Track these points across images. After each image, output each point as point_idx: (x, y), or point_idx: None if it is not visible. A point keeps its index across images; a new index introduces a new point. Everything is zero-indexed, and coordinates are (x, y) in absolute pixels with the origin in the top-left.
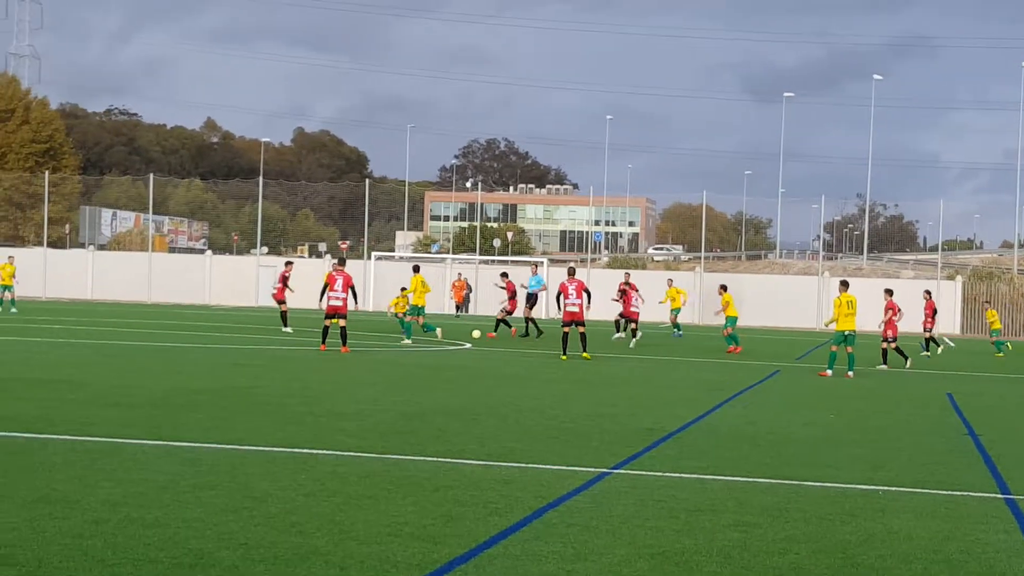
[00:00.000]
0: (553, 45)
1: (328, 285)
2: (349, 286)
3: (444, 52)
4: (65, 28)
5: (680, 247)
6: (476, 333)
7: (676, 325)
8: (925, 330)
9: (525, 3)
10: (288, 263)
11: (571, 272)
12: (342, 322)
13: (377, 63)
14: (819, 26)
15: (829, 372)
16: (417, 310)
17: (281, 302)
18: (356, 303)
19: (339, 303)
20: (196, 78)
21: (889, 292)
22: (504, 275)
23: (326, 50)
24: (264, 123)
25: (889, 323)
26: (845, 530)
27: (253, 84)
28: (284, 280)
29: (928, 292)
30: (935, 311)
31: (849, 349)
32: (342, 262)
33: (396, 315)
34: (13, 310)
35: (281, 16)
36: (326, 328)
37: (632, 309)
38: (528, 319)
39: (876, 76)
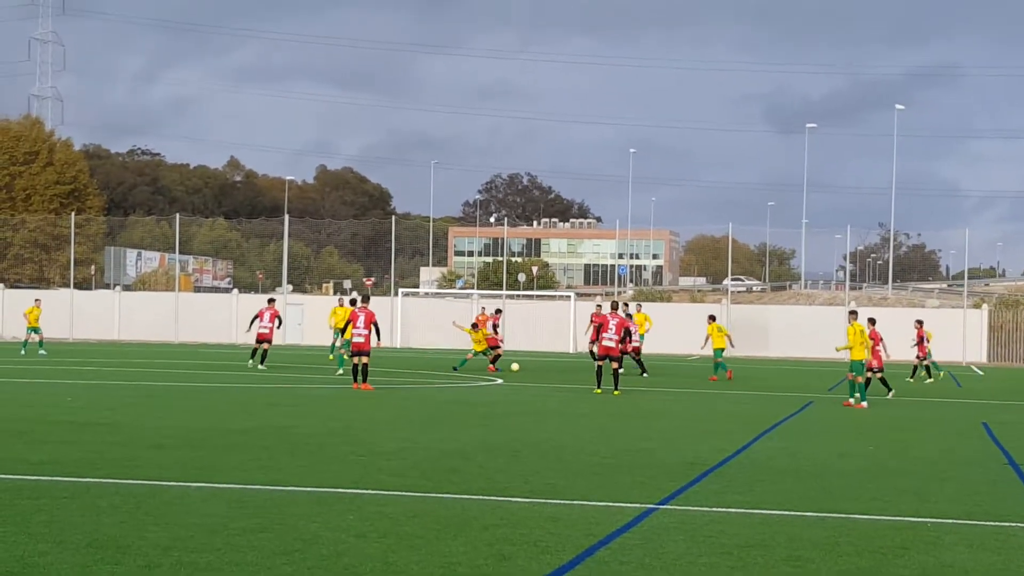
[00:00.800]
0: (577, 80)
1: (351, 322)
2: (372, 323)
3: (469, 88)
4: (89, 69)
5: (754, 280)
6: (515, 366)
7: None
8: (917, 358)
9: (549, 39)
10: (271, 300)
11: (614, 307)
12: (365, 359)
13: (401, 100)
14: (843, 58)
15: (865, 404)
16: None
17: (268, 340)
18: (379, 340)
19: (362, 340)
20: (220, 118)
21: (872, 322)
22: (498, 311)
23: (351, 88)
24: (288, 161)
25: (873, 353)
26: (899, 564)
27: (277, 123)
28: (276, 318)
29: (919, 321)
30: (922, 339)
31: (859, 379)
32: (366, 299)
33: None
34: (42, 352)
35: (307, 55)
36: (355, 366)
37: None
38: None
39: (898, 106)
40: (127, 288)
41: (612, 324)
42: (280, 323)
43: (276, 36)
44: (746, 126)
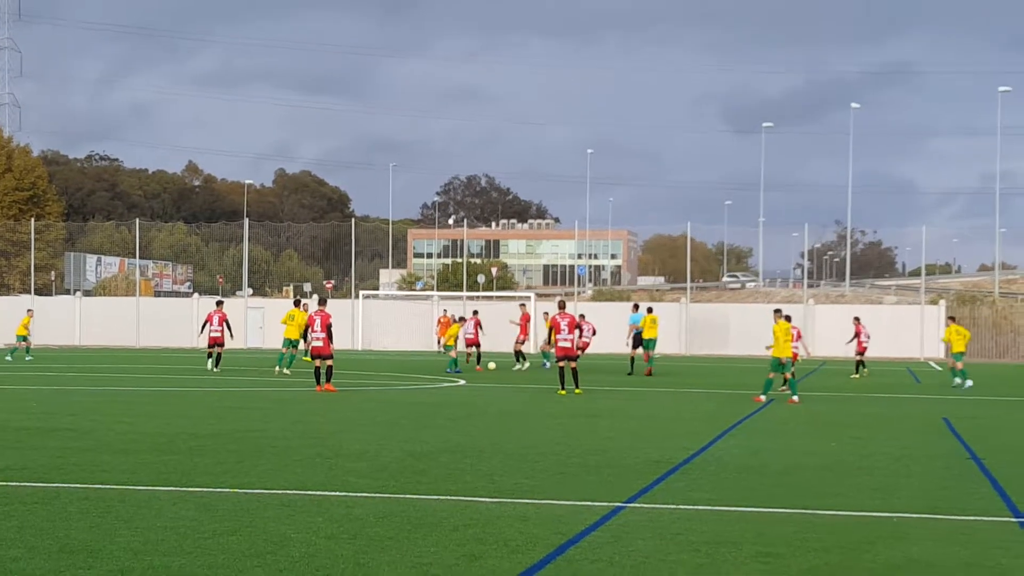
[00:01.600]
0: (538, 82)
1: (308, 326)
2: (327, 325)
3: (430, 91)
4: (48, 76)
5: (749, 276)
6: (492, 365)
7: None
8: (857, 354)
9: (511, 42)
10: (219, 303)
11: (561, 306)
12: (329, 362)
13: (363, 104)
14: (802, 57)
15: (763, 397)
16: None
17: (220, 344)
18: (331, 342)
19: (320, 343)
20: (180, 123)
21: (788, 319)
22: (522, 306)
23: (313, 92)
24: (249, 166)
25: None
26: (866, 558)
27: (239, 128)
28: (224, 321)
29: (857, 318)
30: (858, 335)
31: (787, 375)
32: (322, 302)
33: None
34: (28, 358)
35: (269, 60)
36: (317, 369)
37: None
38: (633, 357)
39: (854, 105)
40: (87, 293)
41: (564, 324)
42: (228, 326)
43: (237, 41)
44: (705, 126)
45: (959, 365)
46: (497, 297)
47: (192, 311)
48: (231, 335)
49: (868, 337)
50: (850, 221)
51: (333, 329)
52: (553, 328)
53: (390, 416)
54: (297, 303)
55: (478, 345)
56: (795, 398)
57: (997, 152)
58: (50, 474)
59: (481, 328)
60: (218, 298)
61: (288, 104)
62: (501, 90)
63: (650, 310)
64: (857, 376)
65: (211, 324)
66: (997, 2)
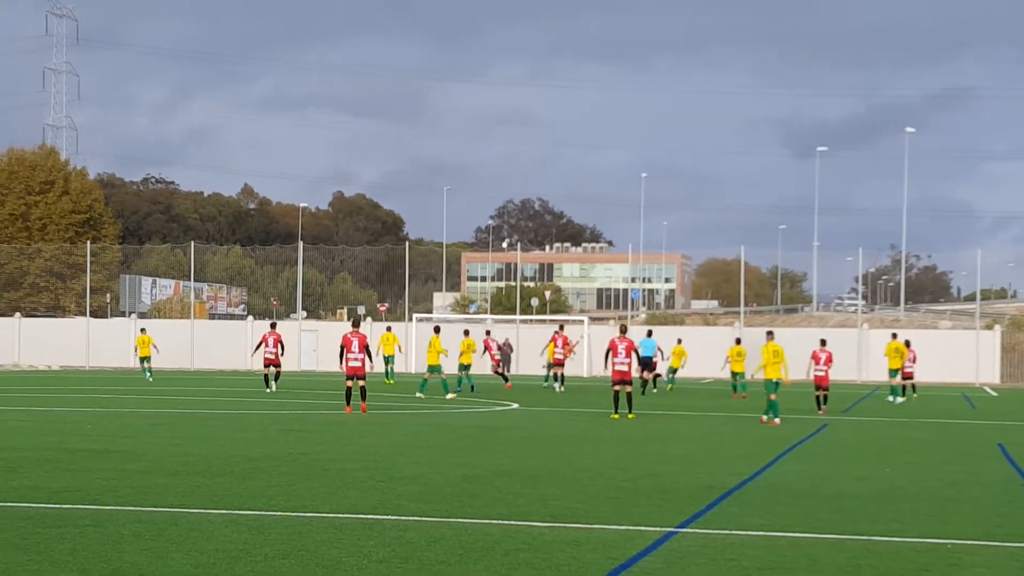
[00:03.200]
0: (592, 106)
1: (345, 347)
2: (364, 347)
3: (485, 116)
4: (107, 100)
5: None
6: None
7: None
8: (905, 378)
9: (565, 66)
10: (273, 324)
11: (623, 331)
12: (361, 383)
13: (419, 128)
14: (859, 80)
15: (777, 421)
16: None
17: (276, 364)
18: (371, 363)
19: (359, 364)
20: (237, 147)
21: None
22: (487, 333)
23: (370, 116)
24: (306, 189)
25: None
26: None
27: (296, 151)
28: (279, 343)
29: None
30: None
31: (772, 396)
32: (356, 324)
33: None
34: (149, 378)
35: (326, 85)
36: (348, 390)
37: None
38: (644, 380)
39: (909, 129)
40: (143, 316)
41: (621, 348)
42: (282, 347)
43: (295, 66)
44: (760, 150)
45: (895, 381)
46: (550, 321)
47: (246, 333)
48: (371, 364)
49: (914, 361)
50: (905, 245)
51: (370, 350)
52: (611, 351)
53: (443, 439)
54: (437, 330)
55: (499, 364)
56: (777, 420)
57: None
58: (104, 496)
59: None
60: (272, 320)
61: (345, 128)
62: (554, 114)
63: (679, 341)
64: (904, 399)
65: (266, 345)
66: None
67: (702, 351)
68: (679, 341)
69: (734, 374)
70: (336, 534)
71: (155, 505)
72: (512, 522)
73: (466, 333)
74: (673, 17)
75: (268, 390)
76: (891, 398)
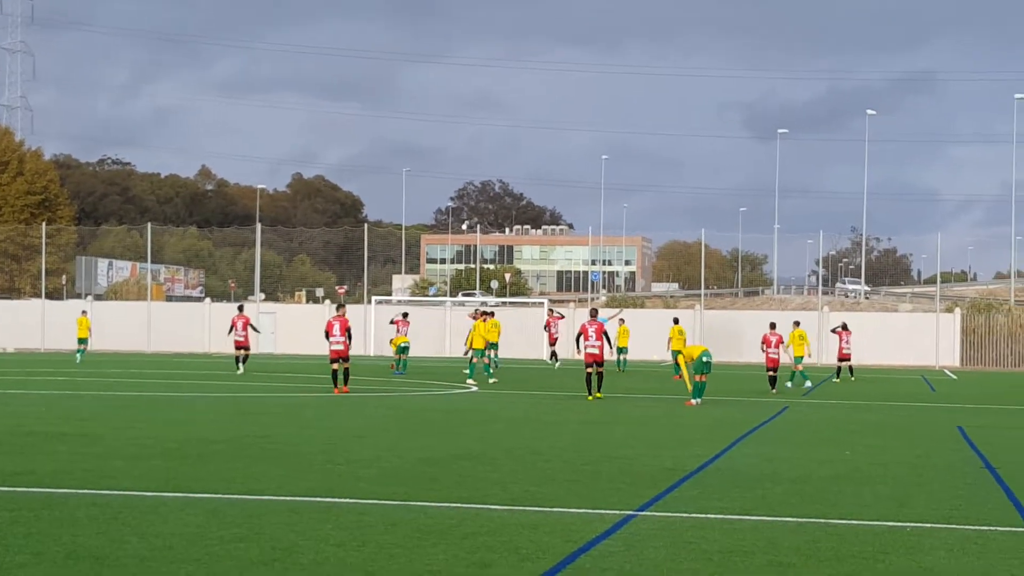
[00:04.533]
0: (560, 89)
1: (328, 332)
2: (346, 330)
3: (452, 98)
4: (66, 81)
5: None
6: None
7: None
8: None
9: (534, 50)
10: (240, 307)
11: (592, 314)
12: (345, 364)
13: (384, 110)
14: (827, 65)
15: (695, 402)
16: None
17: (245, 347)
18: (350, 346)
19: (340, 347)
20: (199, 129)
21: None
22: (550, 311)
23: (335, 98)
24: (268, 171)
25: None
26: (879, 568)
27: (258, 134)
28: (248, 325)
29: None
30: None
31: (700, 377)
32: (340, 307)
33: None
34: (78, 359)
35: (290, 67)
36: (335, 372)
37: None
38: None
39: (869, 111)
40: (99, 298)
41: (592, 331)
42: (254, 328)
43: (262, 48)
44: (727, 134)
45: (799, 367)
46: (510, 303)
47: (203, 316)
48: (258, 331)
49: (848, 343)
50: (865, 228)
51: (351, 333)
52: (582, 334)
53: (403, 422)
54: (484, 315)
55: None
56: (696, 400)
57: (1013, 159)
58: (59, 479)
59: None
60: (240, 303)
61: (309, 110)
62: (522, 97)
63: (622, 321)
64: (838, 380)
65: (236, 329)
66: (1019, 9)
67: (665, 334)
68: (622, 322)
69: (620, 350)
70: (293, 517)
71: (111, 488)
72: (471, 505)
73: (492, 315)
74: (643, 1)
75: (238, 371)
76: (789, 384)
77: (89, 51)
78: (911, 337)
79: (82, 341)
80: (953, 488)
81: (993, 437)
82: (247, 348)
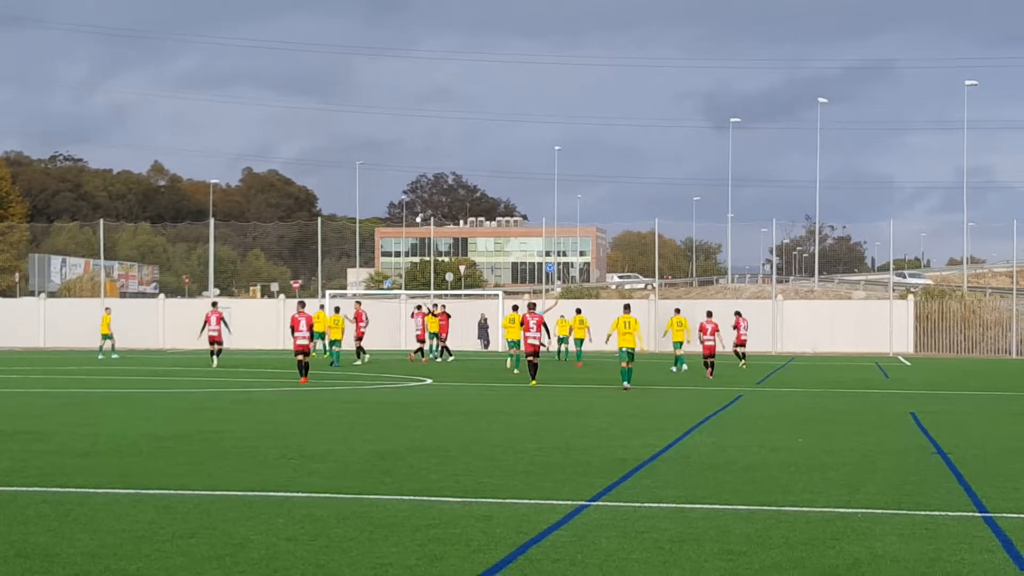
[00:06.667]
0: (517, 82)
1: (294, 327)
2: (310, 326)
3: (408, 92)
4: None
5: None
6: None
7: None
8: (737, 344)
9: (492, 43)
10: (214, 303)
11: (531, 307)
12: (306, 358)
13: (340, 104)
14: (784, 54)
15: (627, 385)
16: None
17: (219, 342)
18: (312, 340)
19: (305, 341)
20: (156, 125)
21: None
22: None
23: (291, 93)
24: (223, 167)
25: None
26: (830, 555)
27: (214, 130)
28: (221, 320)
29: (737, 312)
30: (737, 327)
31: (625, 364)
32: (303, 304)
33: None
34: (114, 356)
35: (248, 62)
36: (300, 363)
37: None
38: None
39: (821, 99)
40: (52, 295)
41: (532, 323)
42: (226, 324)
43: (219, 43)
44: (684, 123)
45: (679, 352)
46: (465, 295)
47: (158, 311)
48: (229, 332)
49: (747, 329)
50: (818, 215)
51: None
52: (523, 325)
53: (356, 416)
54: (515, 308)
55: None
56: (627, 384)
57: (964, 146)
58: (9, 478)
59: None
60: (213, 299)
61: (267, 105)
62: (480, 90)
63: (579, 311)
64: (744, 365)
65: (209, 324)
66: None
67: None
68: (576, 312)
69: (563, 340)
70: (245, 512)
71: (62, 486)
72: (423, 498)
73: (515, 308)
74: None
75: (212, 365)
76: (674, 368)
77: (44, 48)
78: (865, 324)
79: (105, 338)
80: (904, 474)
81: (945, 423)
82: (220, 343)
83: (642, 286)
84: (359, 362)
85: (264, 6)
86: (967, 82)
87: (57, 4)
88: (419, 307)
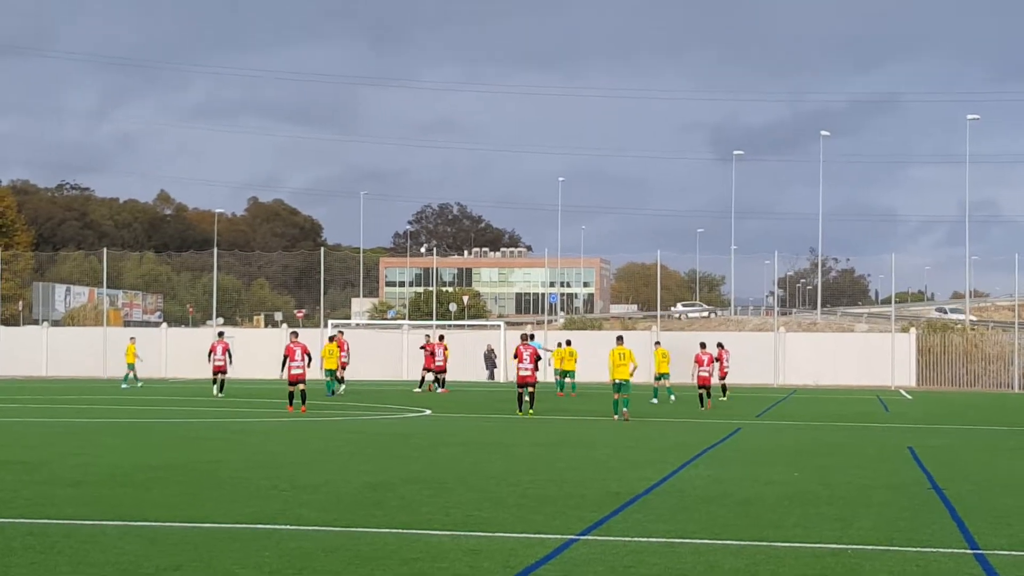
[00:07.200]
0: (523, 113)
1: (288, 356)
2: (307, 354)
3: (413, 122)
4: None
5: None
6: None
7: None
8: (720, 378)
9: (496, 74)
10: (220, 333)
11: (524, 338)
12: (302, 387)
13: (344, 135)
14: (789, 87)
15: (616, 417)
16: None
17: (223, 371)
18: (308, 367)
19: (300, 371)
20: (163, 155)
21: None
22: (426, 336)
23: (297, 123)
24: (229, 196)
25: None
26: None
27: (221, 159)
28: (227, 351)
29: (720, 344)
30: (720, 360)
31: (617, 396)
32: (296, 334)
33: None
34: (139, 384)
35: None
36: (291, 393)
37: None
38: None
39: (824, 132)
40: (56, 323)
41: (526, 355)
42: (230, 354)
43: (226, 73)
44: (689, 155)
45: (665, 383)
46: (468, 326)
47: (161, 340)
48: (231, 362)
49: (729, 361)
50: (821, 248)
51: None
52: (516, 356)
53: (353, 447)
54: (568, 342)
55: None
56: (621, 414)
57: (966, 179)
58: None
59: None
60: (220, 329)
61: (273, 134)
62: (485, 120)
63: (569, 343)
64: (726, 398)
65: (215, 353)
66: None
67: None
68: (566, 343)
69: (565, 372)
70: (232, 544)
71: (51, 517)
72: (412, 531)
73: (568, 343)
74: (606, 24)
75: (217, 395)
76: (654, 400)
77: (52, 77)
78: (867, 357)
79: (131, 367)
80: (899, 509)
81: (943, 457)
82: (224, 372)
83: (641, 316)
84: (338, 391)
85: (271, 37)
86: (969, 116)
87: (66, 34)
88: (428, 337)
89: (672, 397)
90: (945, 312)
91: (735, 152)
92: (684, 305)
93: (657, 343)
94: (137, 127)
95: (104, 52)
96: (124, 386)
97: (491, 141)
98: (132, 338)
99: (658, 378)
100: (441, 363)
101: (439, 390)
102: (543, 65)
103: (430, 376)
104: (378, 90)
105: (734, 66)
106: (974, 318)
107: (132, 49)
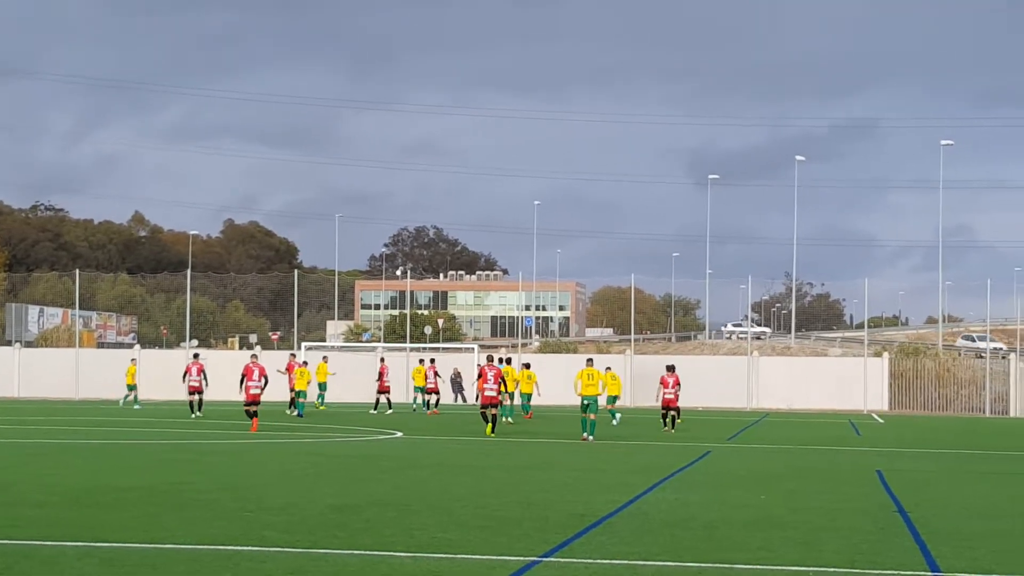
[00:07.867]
0: (501, 137)
1: (246, 376)
2: (263, 375)
3: (393, 146)
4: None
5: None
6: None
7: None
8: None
9: (481, 97)
10: (196, 355)
11: (489, 360)
12: (255, 408)
13: (323, 157)
14: (768, 112)
15: (585, 435)
16: None
17: (199, 392)
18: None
19: (258, 391)
20: (140, 177)
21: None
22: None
23: (276, 146)
24: (206, 218)
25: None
26: None
27: (198, 181)
28: (202, 372)
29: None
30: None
31: (592, 416)
32: (255, 356)
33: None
34: (136, 406)
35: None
36: (248, 412)
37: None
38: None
39: (799, 158)
40: (29, 345)
41: (490, 375)
42: (205, 376)
43: (202, 95)
44: (667, 180)
45: (614, 405)
46: (443, 349)
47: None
48: (206, 384)
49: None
50: (795, 272)
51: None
52: (480, 377)
53: (321, 468)
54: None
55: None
56: (589, 437)
57: (940, 206)
58: None
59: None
60: (195, 351)
61: (251, 157)
62: (465, 144)
63: (528, 366)
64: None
65: (190, 375)
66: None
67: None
68: (524, 367)
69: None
70: (192, 566)
71: (11, 538)
72: (375, 552)
73: (527, 366)
74: (586, 49)
75: (193, 416)
76: (615, 422)
77: (29, 99)
78: (840, 381)
79: (131, 388)
80: (863, 532)
81: (910, 481)
82: (200, 393)
83: (616, 339)
84: (290, 412)
85: (250, 59)
86: (943, 142)
87: (44, 56)
88: (432, 360)
89: (615, 419)
90: (973, 340)
91: (710, 176)
92: (734, 325)
93: (608, 368)
94: (114, 148)
95: (83, 73)
96: (121, 405)
97: (469, 164)
98: (133, 359)
99: (610, 400)
100: (432, 385)
101: (427, 411)
102: (522, 89)
103: (384, 398)
104: (357, 113)
105: (713, 91)
106: (1003, 346)
107: (111, 70)
